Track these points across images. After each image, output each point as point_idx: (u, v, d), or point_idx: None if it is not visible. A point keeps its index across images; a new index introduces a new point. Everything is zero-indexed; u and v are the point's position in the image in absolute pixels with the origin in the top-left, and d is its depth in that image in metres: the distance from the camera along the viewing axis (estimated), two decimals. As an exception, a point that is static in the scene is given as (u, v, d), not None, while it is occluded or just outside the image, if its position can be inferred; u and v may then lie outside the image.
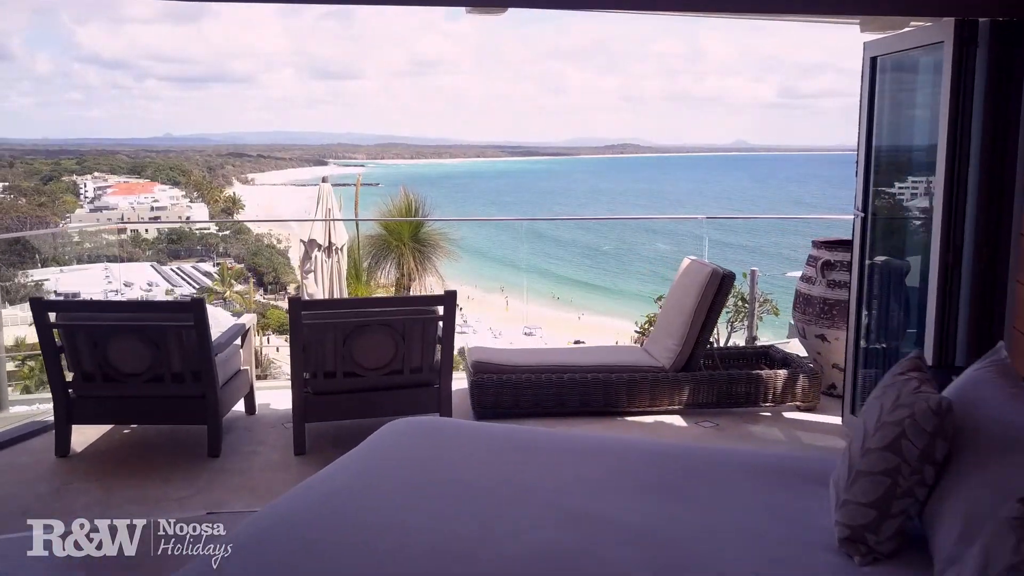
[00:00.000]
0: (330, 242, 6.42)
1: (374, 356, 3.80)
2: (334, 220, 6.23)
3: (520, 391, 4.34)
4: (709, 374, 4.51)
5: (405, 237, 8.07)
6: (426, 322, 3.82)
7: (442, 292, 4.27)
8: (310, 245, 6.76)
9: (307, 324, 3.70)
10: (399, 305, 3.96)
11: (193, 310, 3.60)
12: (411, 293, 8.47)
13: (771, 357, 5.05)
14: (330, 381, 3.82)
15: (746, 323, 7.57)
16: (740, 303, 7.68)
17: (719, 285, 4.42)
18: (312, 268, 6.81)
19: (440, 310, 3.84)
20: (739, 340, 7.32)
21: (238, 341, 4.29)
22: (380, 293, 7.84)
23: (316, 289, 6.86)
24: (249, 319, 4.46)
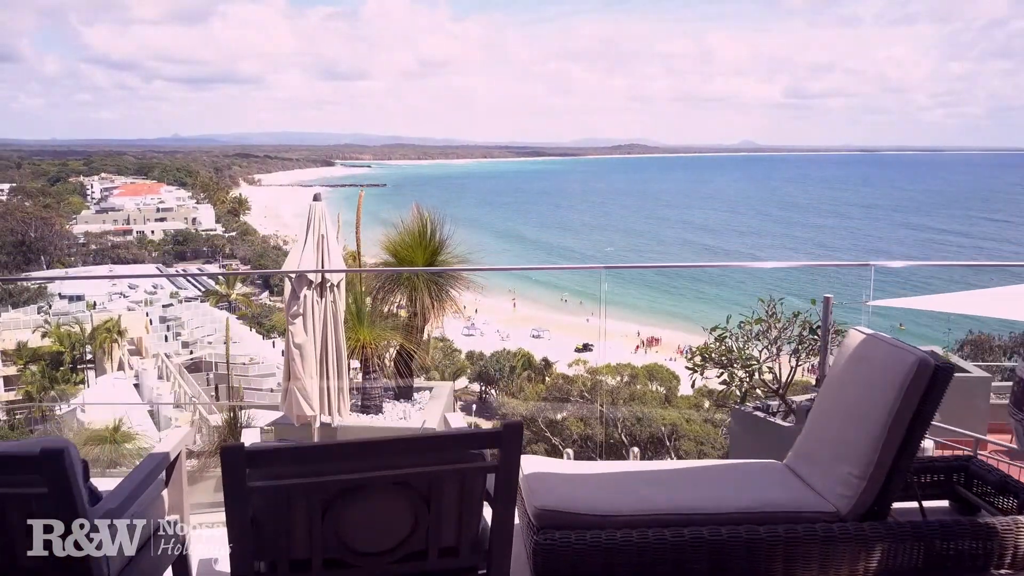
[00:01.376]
0: (323, 278, 4.91)
1: (378, 533, 2.17)
2: (329, 271, 4.72)
3: (614, 557, 2.69)
4: (912, 526, 2.84)
5: (419, 265, 6.55)
6: (467, 475, 2.18)
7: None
8: (298, 282, 5.20)
9: (258, 488, 2.07)
10: (422, 450, 2.28)
11: (43, 470, 1.97)
12: (425, 334, 6.88)
13: (972, 473, 3.38)
14: (301, 576, 2.19)
15: (816, 359, 6.41)
16: (808, 334, 6.35)
17: (930, 383, 2.75)
18: (301, 311, 5.25)
19: (489, 455, 2.20)
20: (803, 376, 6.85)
21: (162, 476, 2.67)
22: (388, 340, 6.29)
23: (306, 339, 5.29)
24: (178, 438, 2.81)
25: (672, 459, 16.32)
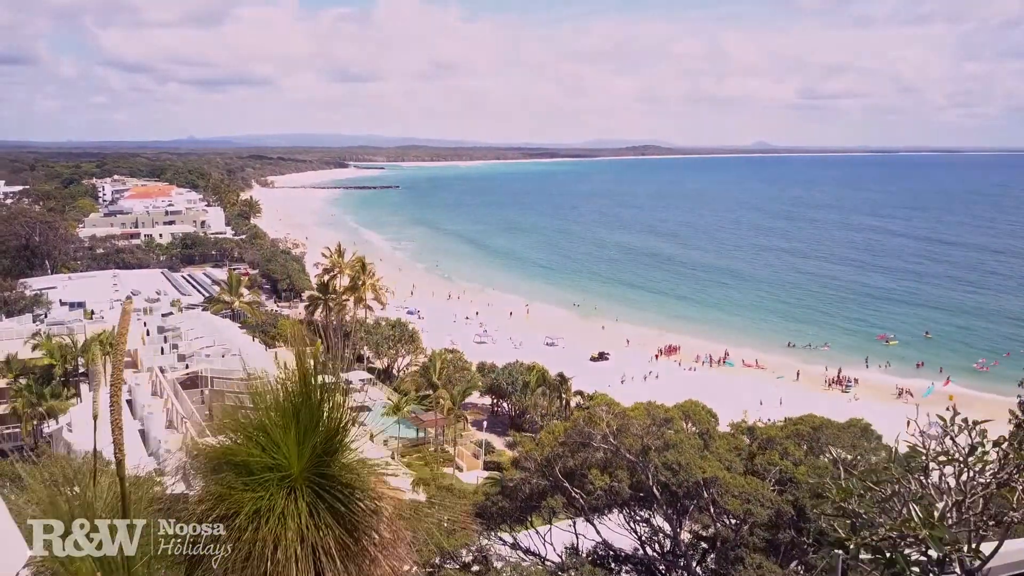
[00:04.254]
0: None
1: None
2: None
3: None
4: None
5: (293, 471, 3.28)
6: None
7: None
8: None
9: None
10: None
11: None
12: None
13: None
14: None
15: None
16: (1009, 459, 3.73)
17: None
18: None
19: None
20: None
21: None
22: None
23: None
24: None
25: (711, 517, 13.63)
